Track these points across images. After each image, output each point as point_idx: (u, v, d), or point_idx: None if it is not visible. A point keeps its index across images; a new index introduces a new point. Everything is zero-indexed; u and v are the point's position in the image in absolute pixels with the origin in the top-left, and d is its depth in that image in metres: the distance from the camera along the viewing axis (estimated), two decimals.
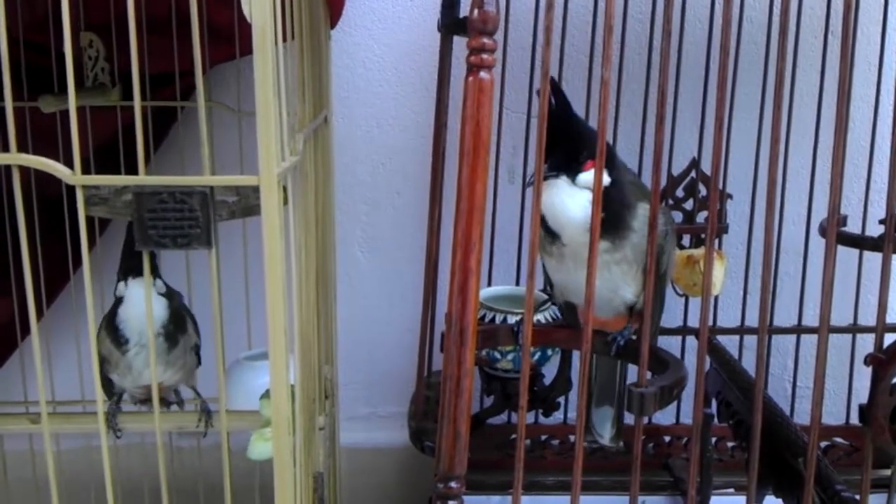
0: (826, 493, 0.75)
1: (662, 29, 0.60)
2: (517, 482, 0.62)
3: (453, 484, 0.63)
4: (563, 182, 0.72)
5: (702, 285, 0.84)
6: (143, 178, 0.56)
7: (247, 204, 0.58)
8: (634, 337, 0.79)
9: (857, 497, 0.73)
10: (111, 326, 0.84)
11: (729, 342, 1.16)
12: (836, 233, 0.64)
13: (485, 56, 0.57)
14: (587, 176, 0.70)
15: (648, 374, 0.68)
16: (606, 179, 0.71)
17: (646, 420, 0.92)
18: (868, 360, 0.64)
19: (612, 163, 0.72)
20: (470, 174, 0.57)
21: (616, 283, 0.78)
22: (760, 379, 0.65)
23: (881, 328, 0.64)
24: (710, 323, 1.14)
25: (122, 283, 0.84)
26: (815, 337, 1.19)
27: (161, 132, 1.11)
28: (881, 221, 0.91)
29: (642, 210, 0.74)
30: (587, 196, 0.70)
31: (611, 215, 0.72)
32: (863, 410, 0.67)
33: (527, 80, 1.15)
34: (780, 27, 0.59)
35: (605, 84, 0.57)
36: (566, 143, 0.70)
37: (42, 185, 0.94)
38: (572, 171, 0.72)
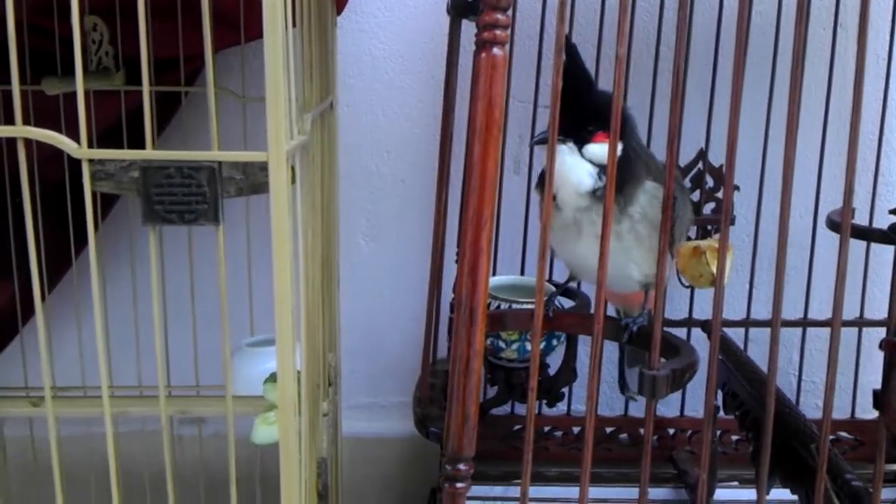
0: (836, 482, 0.74)
1: (678, 13, 0.59)
2: (526, 465, 0.61)
3: (462, 466, 0.62)
4: (567, 148, 0.72)
5: (708, 277, 0.83)
6: (150, 153, 0.55)
7: (254, 181, 0.57)
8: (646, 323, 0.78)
9: (868, 487, 0.72)
10: None
11: (734, 335, 1.15)
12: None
13: (497, 32, 0.56)
14: (594, 148, 0.70)
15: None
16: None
17: None
18: (883, 344, 0.63)
19: (624, 135, 0.70)
20: (482, 152, 0.57)
21: (619, 257, 0.76)
22: (774, 365, 0.64)
23: (894, 313, 0.64)
24: None
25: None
26: (821, 330, 1.20)
27: (164, 118, 1.10)
28: (892, 211, 0.90)
29: (650, 186, 0.73)
30: (590, 165, 0.71)
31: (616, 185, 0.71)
32: (877, 396, 0.66)
33: (533, 69, 1.14)
34: (798, 6, 0.59)
35: (620, 61, 0.56)
36: (578, 110, 0.69)
37: (43, 168, 0.93)
38: (580, 140, 0.71)
